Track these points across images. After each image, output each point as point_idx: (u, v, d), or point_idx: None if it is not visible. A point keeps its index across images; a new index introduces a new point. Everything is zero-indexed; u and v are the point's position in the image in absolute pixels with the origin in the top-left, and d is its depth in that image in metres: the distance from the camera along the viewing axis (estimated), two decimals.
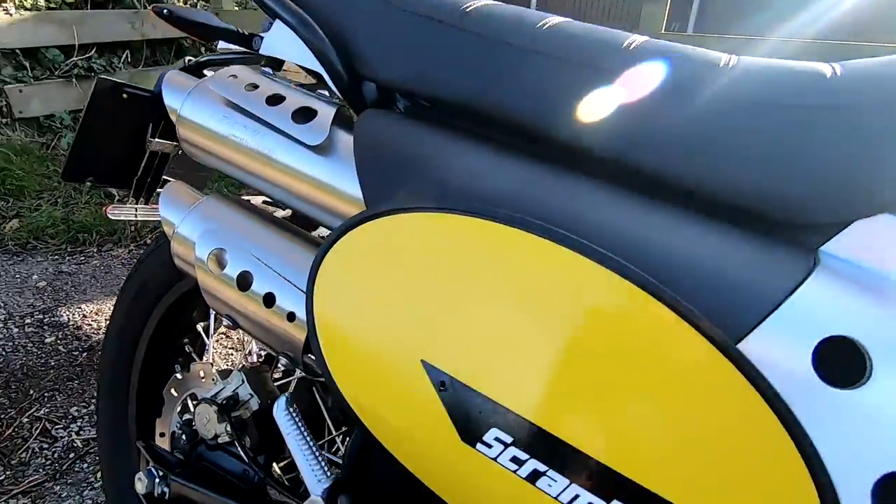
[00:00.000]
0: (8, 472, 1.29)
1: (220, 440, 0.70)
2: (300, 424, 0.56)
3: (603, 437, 0.33)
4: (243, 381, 0.72)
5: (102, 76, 0.92)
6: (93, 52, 3.08)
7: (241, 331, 0.56)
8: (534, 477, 0.35)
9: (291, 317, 0.50)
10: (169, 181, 1.08)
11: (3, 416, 1.44)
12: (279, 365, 0.55)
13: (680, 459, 0.31)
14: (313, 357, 0.49)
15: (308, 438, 0.55)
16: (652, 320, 0.31)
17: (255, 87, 0.54)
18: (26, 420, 1.43)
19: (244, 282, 0.53)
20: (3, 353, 1.67)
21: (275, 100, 0.52)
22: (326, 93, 0.55)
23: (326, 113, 0.51)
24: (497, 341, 0.36)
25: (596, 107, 0.40)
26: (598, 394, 0.33)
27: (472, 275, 0.37)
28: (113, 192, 2.58)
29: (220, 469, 0.73)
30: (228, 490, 0.67)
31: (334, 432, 0.77)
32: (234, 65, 0.61)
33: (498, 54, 0.42)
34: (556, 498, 0.34)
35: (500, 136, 0.45)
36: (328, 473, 0.54)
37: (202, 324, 1.01)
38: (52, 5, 2.94)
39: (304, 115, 0.51)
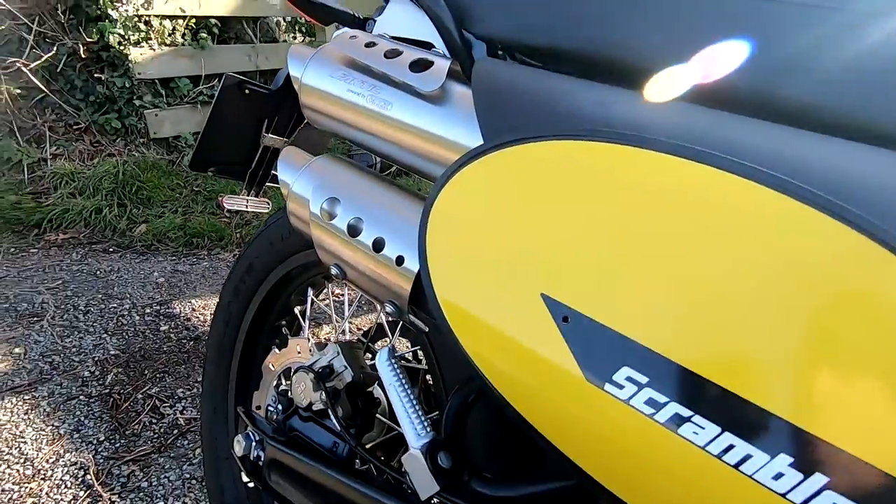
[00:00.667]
0: (122, 441, 1.41)
1: (314, 408, 0.71)
2: (402, 375, 0.55)
3: (768, 381, 0.28)
4: (338, 354, 0.73)
5: (230, 74, 1.02)
6: (216, 81, 3.47)
7: (346, 291, 0.56)
8: (675, 422, 0.30)
9: (400, 260, 0.50)
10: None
11: (122, 391, 1.59)
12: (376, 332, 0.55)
13: (880, 412, 0.25)
14: (416, 309, 0.49)
15: (409, 390, 0.54)
16: (836, 245, 0.27)
17: (374, 44, 0.56)
18: (140, 396, 1.57)
19: (354, 229, 0.54)
20: (127, 337, 1.86)
21: (392, 53, 0.54)
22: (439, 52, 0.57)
23: (442, 63, 0.51)
24: (629, 271, 0.32)
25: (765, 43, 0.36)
26: (760, 331, 0.28)
27: (599, 201, 0.34)
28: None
29: (311, 440, 0.74)
30: (321, 458, 0.67)
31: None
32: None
33: None
34: (703, 448, 0.29)
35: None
36: (428, 428, 0.52)
37: (299, 307, 1.06)
38: (185, 42, 3.36)
39: (421, 66, 0.52)
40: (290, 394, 0.77)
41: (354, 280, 0.55)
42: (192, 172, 3.17)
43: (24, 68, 2.92)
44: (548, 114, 0.39)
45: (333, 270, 0.55)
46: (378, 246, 0.51)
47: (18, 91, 2.96)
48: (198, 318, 2.02)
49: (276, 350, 0.91)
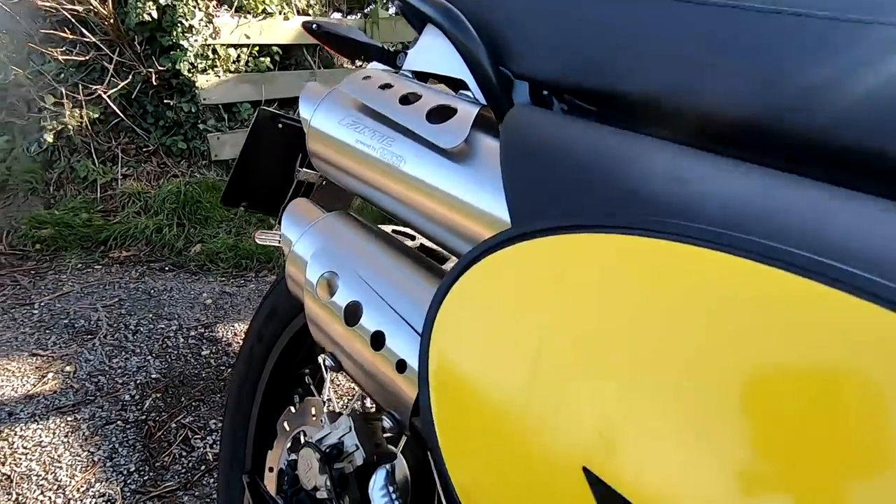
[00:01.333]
0: (151, 474, 1.38)
1: (318, 495, 0.62)
2: None
3: None
4: (350, 429, 0.64)
5: (263, 108, 0.98)
6: (275, 105, 3.58)
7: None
8: None
9: (402, 366, 0.40)
10: None
11: (157, 419, 1.58)
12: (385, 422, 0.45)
13: None
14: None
15: None
16: None
17: (389, 86, 0.48)
18: (174, 425, 1.55)
19: (352, 315, 0.44)
20: (169, 360, 1.87)
21: (409, 99, 0.45)
22: (469, 94, 0.47)
23: (467, 112, 0.41)
24: (735, 451, 0.21)
25: None
26: None
27: (687, 333, 0.23)
28: (272, 222, 2.88)
29: None
30: None
31: None
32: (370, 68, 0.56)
33: (727, 21, 0.29)
34: None
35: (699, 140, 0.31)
36: None
37: (323, 355, 0.98)
38: (248, 69, 3.50)
39: (441, 114, 0.42)
40: (296, 469, 0.68)
41: (351, 374, 0.45)
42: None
43: (104, 94, 3.13)
44: (603, 189, 0.28)
45: (328, 361, 0.46)
46: (377, 342, 0.41)
47: (97, 116, 3.17)
48: (238, 343, 2.01)
49: (293, 408, 0.83)
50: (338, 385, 1.70)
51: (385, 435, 0.71)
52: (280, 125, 1.00)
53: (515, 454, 0.27)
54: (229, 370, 1.83)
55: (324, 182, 1.11)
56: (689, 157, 0.27)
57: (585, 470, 0.24)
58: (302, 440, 0.85)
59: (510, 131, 0.34)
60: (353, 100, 0.51)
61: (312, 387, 0.98)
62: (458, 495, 0.29)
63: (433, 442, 0.30)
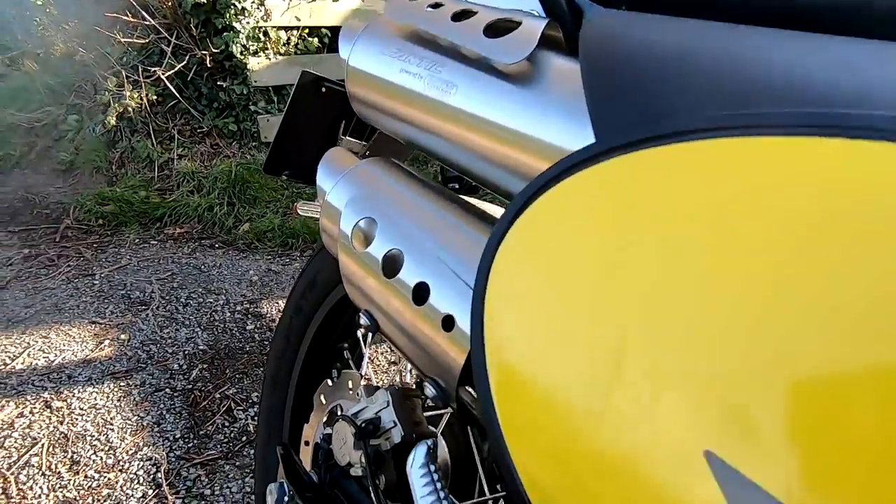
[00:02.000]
0: (195, 441, 1.41)
1: (352, 472, 0.57)
2: (441, 490, 0.39)
3: None
4: (388, 404, 0.59)
5: (306, 70, 0.94)
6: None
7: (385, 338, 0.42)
8: None
9: (448, 323, 0.33)
10: None
11: (203, 388, 1.61)
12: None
13: None
14: (472, 392, 0.32)
15: None
16: None
17: (439, 5, 0.41)
18: (218, 396, 1.58)
19: (391, 265, 0.39)
20: (216, 333, 1.91)
21: (462, 16, 0.39)
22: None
23: (532, 24, 0.34)
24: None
25: None
26: None
27: (835, 259, 0.16)
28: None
29: (353, 503, 0.61)
30: None
31: (487, 494, 0.59)
32: None
33: None
34: None
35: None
36: None
37: (362, 330, 0.95)
38: (298, 51, 3.53)
39: (501, 30, 0.36)
40: (331, 443, 0.64)
41: (389, 335, 0.40)
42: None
43: (162, 76, 3.24)
44: (726, 85, 0.21)
45: (363, 319, 0.41)
46: (420, 296, 0.35)
47: (156, 97, 3.29)
48: None
49: (329, 381, 0.79)
50: (377, 364, 1.68)
51: (427, 408, 0.66)
52: (323, 89, 0.96)
53: (604, 437, 0.21)
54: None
55: (367, 153, 1.07)
56: (850, 44, 0.20)
57: (708, 454, 0.17)
58: (338, 414, 0.82)
59: (593, 38, 0.27)
60: (397, 26, 0.45)
61: (351, 361, 0.95)
62: (522, 484, 0.23)
63: (489, 416, 0.24)
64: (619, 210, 0.21)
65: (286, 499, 0.63)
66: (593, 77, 0.26)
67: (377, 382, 0.82)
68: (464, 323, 0.31)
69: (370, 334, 0.90)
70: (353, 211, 0.43)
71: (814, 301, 0.16)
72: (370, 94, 0.47)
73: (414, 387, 0.71)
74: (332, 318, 0.91)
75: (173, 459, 1.35)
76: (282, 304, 2.13)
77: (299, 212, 1.12)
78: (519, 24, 0.34)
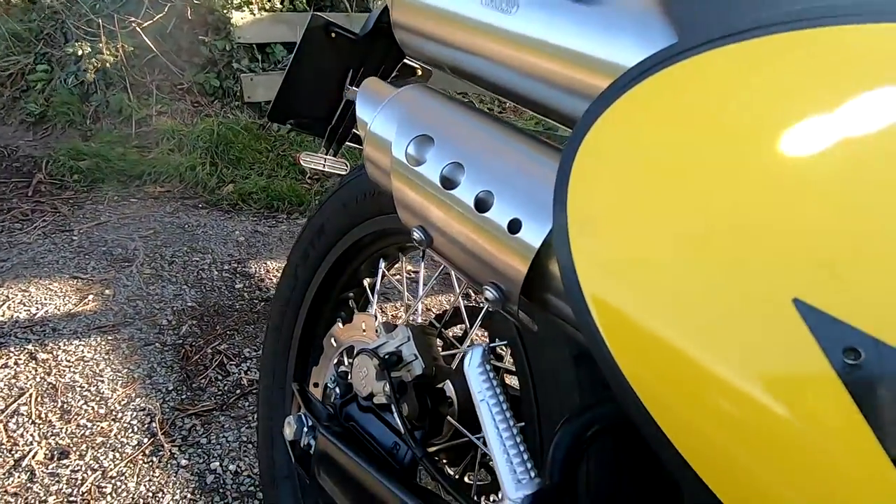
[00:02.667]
0: (188, 393, 1.42)
1: (374, 401, 0.60)
2: (500, 391, 0.41)
3: None
4: (409, 339, 0.61)
5: (317, 13, 0.92)
6: None
7: (422, 266, 0.44)
8: None
9: (515, 226, 0.35)
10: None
11: (194, 344, 1.61)
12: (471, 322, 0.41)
13: None
14: (534, 295, 0.34)
15: (509, 414, 0.40)
16: None
17: None
18: (210, 351, 1.58)
19: (449, 179, 0.40)
20: (204, 290, 1.89)
21: None
22: None
23: None
24: None
25: None
26: None
27: None
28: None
29: (370, 436, 0.63)
30: (377, 463, 0.56)
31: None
32: None
33: None
34: None
35: None
36: (532, 473, 0.38)
37: (369, 280, 0.96)
38: (283, 8, 3.40)
39: None
40: (350, 377, 0.66)
41: (444, 251, 0.41)
42: (280, 137, 3.22)
43: (138, 27, 3.09)
44: None
45: (416, 234, 0.42)
46: (483, 204, 0.37)
47: (133, 49, 3.14)
48: (271, 279, 2.02)
49: (340, 324, 0.81)
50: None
51: (490, 305, 0.67)
52: (332, 34, 0.95)
53: (694, 294, 0.23)
54: (262, 304, 1.85)
55: None
56: None
57: (797, 302, 0.20)
58: (346, 359, 0.84)
59: None
60: None
61: (356, 309, 0.96)
62: (614, 357, 0.25)
63: (579, 306, 0.26)
64: (710, 102, 0.23)
65: (305, 429, 0.66)
66: None
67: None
68: (530, 227, 0.33)
69: (378, 284, 0.92)
70: (405, 132, 0.43)
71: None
72: (418, 21, 0.48)
73: (428, 325, 0.73)
74: (338, 267, 0.92)
75: (167, 410, 1.36)
76: (270, 264, 2.12)
77: (302, 162, 1.11)
78: None
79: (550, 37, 0.36)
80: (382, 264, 0.89)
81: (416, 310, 0.77)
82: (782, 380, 0.20)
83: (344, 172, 1.19)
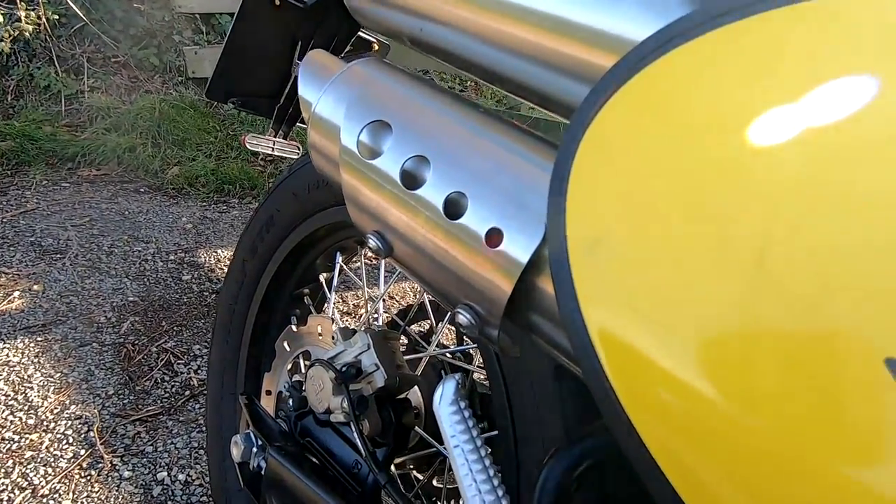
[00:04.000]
0: (131, 397, 1.31)
1: (332, 418, 0.54)
2: (472, 429, 0.35)
3: None
4: (369, 347, 0.55)
5: None
6: None
7: (387, 273, 0.37)
8: None
9: (495, 237, 0.28)
10: None
11: (137, 342, 1.48)
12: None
13: None
14: (520, 318, 0.29)
15: (483, 452, 0.35)
16: None
17: None
18: (155, 350, 1.47)
19: (412, 175, 0.33)
20: (148, 283, 1.75)
21: None
22: None
23: None
24: None
25: None
26: None
27: None
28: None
29: (328, 452, 0.57)
30: (334, 486, 0.50)
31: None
32: None
33: None
34: None
35: None
36: None
37: (326, 274, 0.89)
38: None
39: None
40: (304, 388, 0.60)
41: (406, 262, 0.34)
42: (230, 116, 3.03)
43: None
44: None
45: (372, 242, 0.35)
46: (454, 208, 0.30)
47: (58, 17, 2.85)
48: (222, 269, 1.90)
49: (294, 327, 0.74)
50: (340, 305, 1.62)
51: (463, 334, 0.61)
52: (277, 2, 0.85)
53: (745, 349, 0.18)
54: (213, 296, 1.73)
55: None
56: None
57: (890, 361, 0.15)
58: (303, 362, 0.77)
59: None
60: None
61: (312, 307, 0.89)
62: (640, 434, 0.19)
63: (575, 327, 0.20)
64: (745, 87, 0.18)
65: (255, 449, 0.59)
66: None
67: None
68: (514, 239, 0.27)
69: (335, 281, 0.85)
70: (356, 117, 0.35)
71: None
72: None
73: (389, 326, 0.67)
74: (291, 262, 0.84)
75: (107, 417, 1.25)
76: (221, 253, 1.99)
77: (248, 145, 1.02)
78: None
79: (546, 7, 0.29)
80: (339, 258, 0.81)
81: (377, 311, 0.70)
82: (881, 446, 0.16)
83: (295, 156, 1.10)
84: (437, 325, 0.70)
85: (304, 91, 0.42)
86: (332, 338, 0.63)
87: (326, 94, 0.39)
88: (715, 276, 0.18)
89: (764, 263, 0.17)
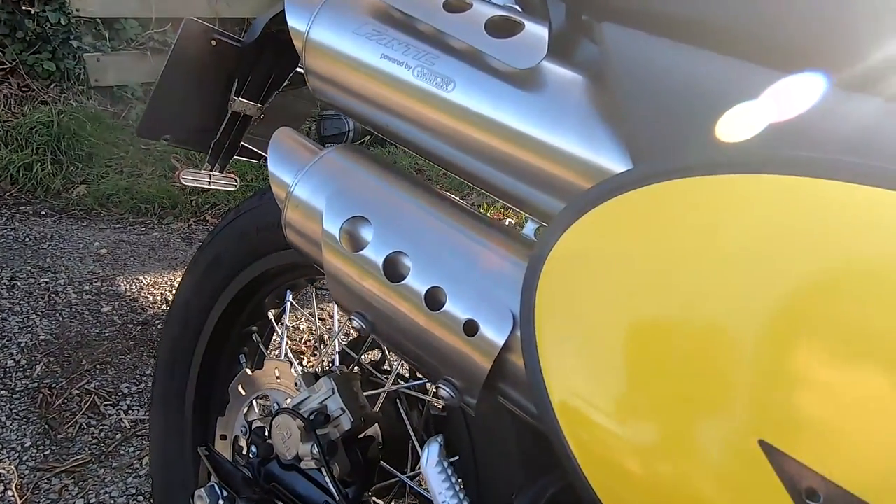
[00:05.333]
0: (53, 448, 1.21)
1: (303, 465, 0.56)
2: (455, 484, 0.40)
3: None
4: (333, 392, 0.58)
5: (192, 18, 0.81)
6: (168, 26, 3.08)
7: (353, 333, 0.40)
8: None
9: (472, 328, 0.33)
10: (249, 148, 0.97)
11: (54, 386, 1.37)
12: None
13: None
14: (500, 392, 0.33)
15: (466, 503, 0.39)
16: None
17: None
18: (76, 392, 1.36)
19: (394, 268, 0.37)
20: (60, 319, 1.62)
21: (457, 6, 0.37)
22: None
23: (536, 29, 0.34)
24: None
25: None
26: None
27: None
28: (176, 164, 2.55)
29: (296, 496, 0.59)
30: None
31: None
32: None
33: None
34: None
35: None
36: None
37: (275, 311, 0.89)
38: None
39: (502, 28, 0.35)
40: (268, 436, 0.61)
41: (390, 341, 0.38)
42: None
43: None
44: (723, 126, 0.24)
45: (357, 322, 0.39)
46: (434, 301, 0.35)
47: None
48: (146, 298, 1.79)
49: (248, 371, 0.74)
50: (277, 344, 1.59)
51: (439, 406, 0.65)
52: (213, 42, 0.84)
53: (658, 422, 0.24)
54: (138, 328, 1.64)
55: (262, 116, 0.97)
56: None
57: (763, 443, 0.21)
58: (255, 405, 0.77)
59: (622, 56, 0.28)
60: (371, 4, 0.41)
61: (262, 345, 0.89)
62: (594, 492, 0.25)
63: (541, 402, 0.26)
64: (670, 233, 0.24)
65: (221, 501, 0.59)
66: (627, 98, 0.28)
67: (306, 367, 0.79)
68: (489, 328, 0.32)
69: (287, 319, 0.85)
70: (338, 210, 0.39)
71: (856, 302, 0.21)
72: (340, 75, 0.42)
73: (349, 369, 0.70)
74: (239, 301, 0.84)
75: (26, 472, 1.15)
76: (143, 280, 1.87)
77: (183, 181, 1.00)
78: (522, 25, 0.34)
79: (493, 117, 0.34)
80: (290, 295, 0.83)
81: (334, 351, 0.72)
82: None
83: (234, 188, 1.08)
84: (389, 355, 0.73)
85: (278, 169, 0.44)
86: (296, 384, 0.65)
87: (304, 179, 0.42)
88: (644, 374, 0.25)
89: (684, 365, 0.23)
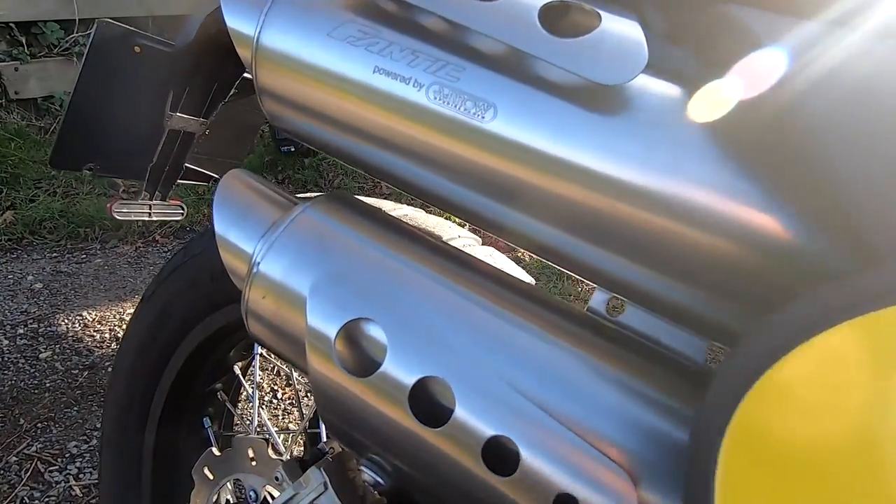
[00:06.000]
0: None
1: None
2: None
3: None
4: (326, 487, 0.46)
5: (106, 20, 0.66)
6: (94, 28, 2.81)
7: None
8: None
9: (565, 500, 0.21)
10: (198, 170, 0.83)
11: None
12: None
13: None
14: None
15: None
16: None
17: None
18: (14, 459, 1.18)
19: (428, 401, 0.22)
20: None
21: None
22: None
23: (624, 25, 0.22)
24: None
25: None
26: None
27: None
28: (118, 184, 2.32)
29: None
30: None
31: None
32: None
33: None
34: None
35: None
36: None
37: (241, 363, 0.76)
38: None
39: (568, 23, 0.22)
40: None
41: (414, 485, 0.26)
42: None
43: None
44: None
45: (367, 474, 0.26)
46: (501, 459, 0.21)
47: None
48: (91, 337, 1.60)
49: (215, 450, 0.61)
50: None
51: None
52: (137, 48, 0.69)
53: None
54: (85, 373, 1.45)
55: (206, 131, 0.83)
56: None
57: None
58: (230, 488, 0.64)
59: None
60: None
61: (228, 404, 0.76)
62: None
63: None
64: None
65: None
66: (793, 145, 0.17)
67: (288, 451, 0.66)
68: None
69: (257, 373, 0.72)
70: (331, 303, 0.24)
71: None
72: (309, 98, 0.28)
73: (342, 449, 0.57)
74: (196, 359, 0.70)
75: None
76: (87, 316, 1.68)
77: (116, 215, 0.84)
78: (598, 17, 0.21)
79: (564, 157, 0.22)
80: (259, 349, 0.70)
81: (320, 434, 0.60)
82: None
83: (180, 217, 0.94)
84: None
85: (234, 234, 0.31)
86: (277, 478, 0.53)
87: (275, 251, 0.28)
88: None
89: None
